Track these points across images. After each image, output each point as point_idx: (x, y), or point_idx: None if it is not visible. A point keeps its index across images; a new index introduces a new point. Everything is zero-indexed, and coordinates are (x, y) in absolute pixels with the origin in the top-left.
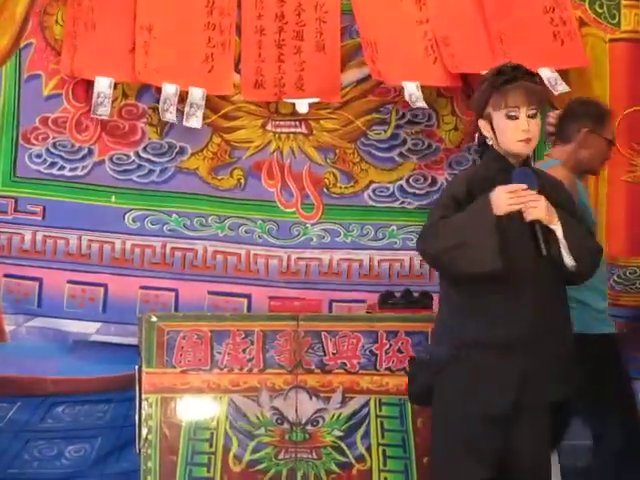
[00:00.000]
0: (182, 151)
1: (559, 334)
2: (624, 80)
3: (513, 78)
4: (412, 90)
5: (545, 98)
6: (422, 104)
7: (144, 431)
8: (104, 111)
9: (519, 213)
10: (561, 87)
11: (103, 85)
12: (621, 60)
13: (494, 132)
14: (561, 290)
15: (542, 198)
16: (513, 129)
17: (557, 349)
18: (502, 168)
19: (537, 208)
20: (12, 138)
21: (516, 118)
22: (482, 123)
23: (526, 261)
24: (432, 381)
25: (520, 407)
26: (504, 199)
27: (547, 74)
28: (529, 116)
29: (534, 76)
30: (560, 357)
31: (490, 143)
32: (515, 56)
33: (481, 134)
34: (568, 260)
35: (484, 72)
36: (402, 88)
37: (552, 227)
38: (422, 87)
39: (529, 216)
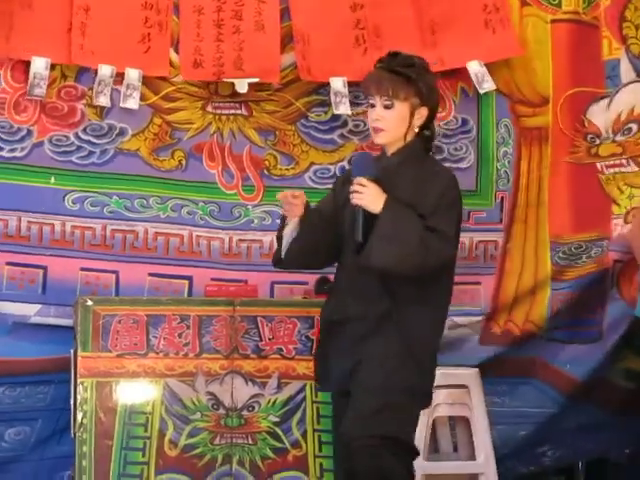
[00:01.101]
0: (122, 132)
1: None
2: (566, 61)
3: (379, 65)
4: (338, 87)
5: (406, 92)
6: (344, 110)
7: (79, 415)
8: (40, 92)
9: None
10: (487, 85)
11: (39, 66)
12: (563, 41)
13: None
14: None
15: (370, 186)
16: (370, 117)
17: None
18: (380, 159)
19: (362, 195)
20: None
21: (373, 106)
22: None
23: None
24: None
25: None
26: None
27: (475, 68)
28: (385, 106)
29: (409, 66)
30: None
31: None
32: (445, 48)
33: None
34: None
35: (469, 64)
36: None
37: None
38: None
39: (353, 201)
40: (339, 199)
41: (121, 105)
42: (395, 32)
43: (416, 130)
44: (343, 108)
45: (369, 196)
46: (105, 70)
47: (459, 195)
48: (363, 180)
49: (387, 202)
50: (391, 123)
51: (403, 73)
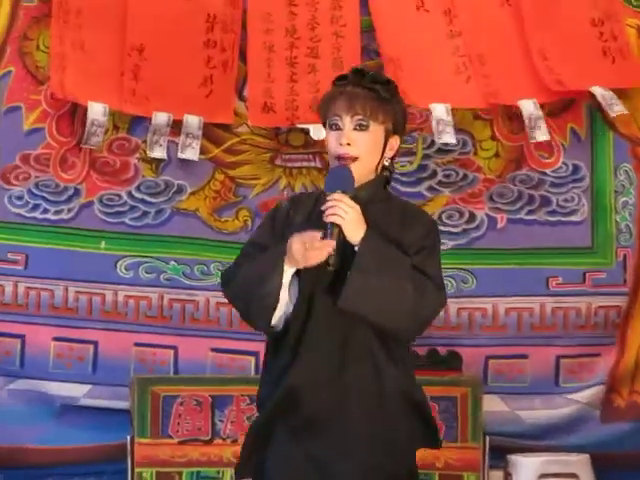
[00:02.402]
0: (180, 190)
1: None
2: None
3: (341, 83)
4: (441, 114)
5: (384, 110)
6: (449, 139)
7: None
8: (97, 141)
9: None
10: (617, 108)
11: (97, 112)
12: None
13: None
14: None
15: (350, 205)
16: (332, 140)
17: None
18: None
19: (340, 212)
20: None
21: (337, 128)
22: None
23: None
24: None
25: None
26: (298, 248)
27: (601, 92)
28: (359, 127)
29: (384, 84)
30: None
31: None
32: (563, 74)
33: None
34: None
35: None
36: (429, 112)
37: (353, 244)
38: (454, 110)
39: (328, 218)
40: (286, 232)
41: (179, 156)
42: (500, 59)
43: (386, 163)
44: (447, 137)
45: (350, 216)
46: (160, 118)
47: (440, 241)
48: (343, 196)
49: (367, 231)
50: (366, 149)
51: (379, 91)
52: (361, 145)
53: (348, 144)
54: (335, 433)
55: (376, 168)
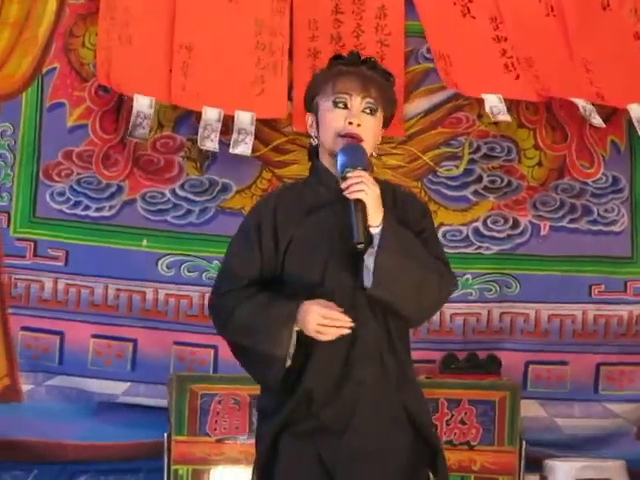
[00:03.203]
0: (225, 188)
1: None
2: None
3: (354, 62)
4: (494, 102)
5: (389, 99)
6: (505, 117)
7: None
8: (142, 133)
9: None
10: None
11: (142, 104)
12: None
13: (318, 128)
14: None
15: (375, 185)
16: (338, 118)
17: None
18: (325, 188)
19: (367, 190)
20: (32, 174)
21: (345, 107)
22: (308, 117)
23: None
24: None
25: None
26: (313, 323)
27: (638, 111)
28: (364, 109)
29: (387, 74)
30: None
31: (315, 143)
32: (604, 88)
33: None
34: (367, 277)
35: (576, 99)
36: (481, 103)
37: (371, 230)
38: (506, 100)
39: (354, 194)
40: (278, 245)
41: (231, 151)
42: (549, 63)
43: (374, 154)
44: (502, 117)
45: (374, 194)
46: (211, 113)
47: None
48: (365, 173)
49: (385, 214)
50: (371, 134)
51: (387, 77)
52: (368, 129)
53: (358, 125)
54: (347, 435)
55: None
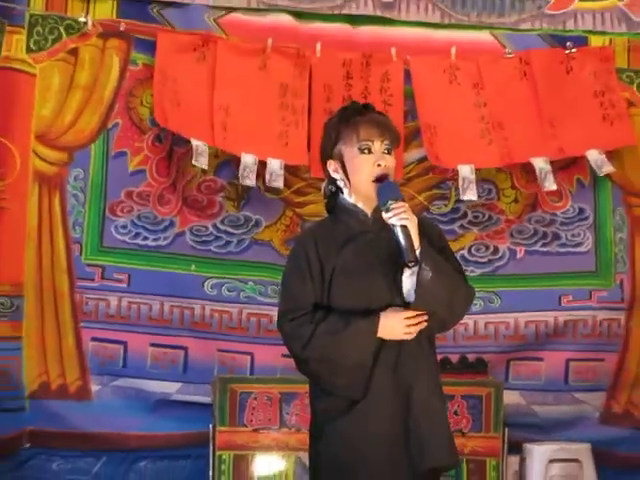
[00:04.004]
0: (257, 224)
1: None
2: None
3: (363, 112)
4: (466, 174)
5: (398, 137)
6: (471, 195)
7: None
8: (203, 161)
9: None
10: (606, 168)
11: (199, 144)
12: None
13: (345, 173)
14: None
15: (411, 210)
16: (367, 163)
17: None
18: (355, 221)
19: (407, 215)
20: (100, 210)
21: (370, 152)
22: (332, 164)
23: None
24: None
25: None
26: (400, 327)
27: (594, 156)
28: (384, 152)
29: (383, 115)
30: None
31: (341, 185)
32: (565, 140)
33: (330, 183)
34: (409, 294)
35: (535, 161)
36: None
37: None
38: (477, 169)
39: (400, 221)
40: (324, 274)
41: (267, 184)
42: (517, 125)
43: None
44: (470, 194)
45: (414, 219)
46: (248, 158)
47: None
48: (405, 203)
49: (423, 245)
50: (392, 169)
51: (392, 122)
52: (390, 166)
53: (385, 165)
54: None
55: None
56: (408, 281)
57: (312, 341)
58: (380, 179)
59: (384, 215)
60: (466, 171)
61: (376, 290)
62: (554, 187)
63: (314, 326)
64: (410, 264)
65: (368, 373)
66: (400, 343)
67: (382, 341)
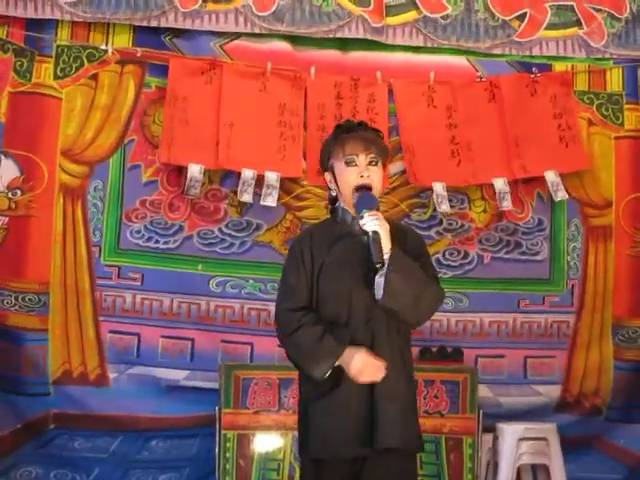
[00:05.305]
0: (258, 227)
1: None
2: (628, 171)
3: (350, 129)
4: (439, 191)
5: (385, 150)
6: (445, 208)
7: (223, 462)
8: (195, 193)
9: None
10: (560, 194)
11: (194, 171)
12: (625, 154)
13: (337, 183)
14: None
15: (386, 222)
16: (352, 174)
17: None
18: (345, 224)
19: (380, 222)
20: (117, 217)
21: (355, 165)
22: (327, 175)
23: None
24: None
25: None
26: (356, 366)
27: (551, 178)
28: (369, 163)
29: (375, 130)
30: None
31: (334, 194)
32: (527, 159)
33: (330, 190)
34: (379, 292)
35: (495, 182)
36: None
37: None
38: (448, 187)
39: (371, 227)
40: (313, 267)
41: (262, 203)
42: (483, 146)
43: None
44: (444, 207)
45: (386, 227)
46: (247, 173)
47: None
48: (378, 212)
49: (396, 249)
50: (379, 180)
51: (380, 136)
52: (375, 177)
53: (368, 176)
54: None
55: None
56: (380, 280)
57: (291, 339)
58: (360, 189)
59: (360, 222)
60: (439, 188)
61: (356, 286)
62: (510, 207)
63: (297, 327)
64: (377, 266)
65: (328, 378)
66: (373, 335)
67: (355, 332)
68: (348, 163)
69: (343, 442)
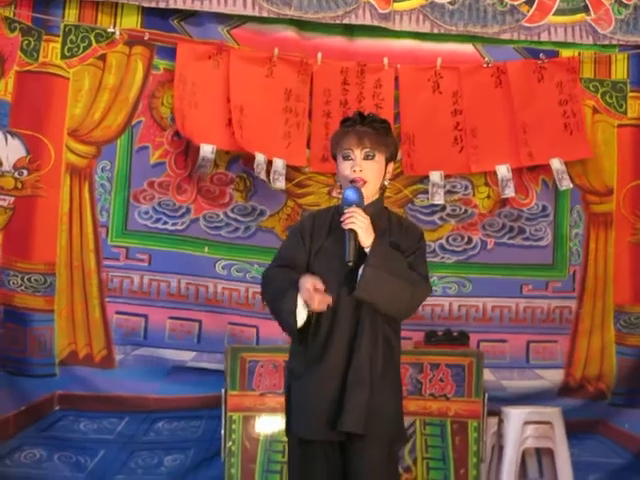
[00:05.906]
0: (262, 213)
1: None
2: (629, 158)
3: (352, 123)
4: (436, 180)
5: (387, 143)
6: (438, 200)
7: (228, 444)
8: (204, 172)
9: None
10: (565, 183)
11: (207, 151)
12: (627, 142)
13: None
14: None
15: (366, 218)
16: (347, 168)
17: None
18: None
19: (357, 222)
20: (124, 198)
21: (350, 159)
22: (335, 167)
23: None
24: None
25: None
26: (304, 287)
27: (557, 166)
28: (364, 157)
29: (381, 122)
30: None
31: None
32: (534, 146)
33: None
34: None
35: (498, 169)
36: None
37: (365, 248)
38: (447, 175)
39: (347, 225)
40: (311, 247)
41: (272, 186)
42: (489, 132)
43: (386, 184)
44: (437, 198)
45: (363, 224)
46: (260, 157)
47: (426, 245)
48: (357, 209)
49: (376, 237)
50: (373, 174)
51: (379, 129)
52: (369, 171)
53: (360, 170)
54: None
55: (379, 189)
56: (361, 273)
57: (268, 285)
58: (353, 182)
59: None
60: (436, 177)
61: (345, 276)
62: (512, 194)
63: (275, 273)
64: (348, 264)
65: (294, 320)
66: (357, 320)
67: (341, 317)
68: (344, 157)
69: (317, 423)
